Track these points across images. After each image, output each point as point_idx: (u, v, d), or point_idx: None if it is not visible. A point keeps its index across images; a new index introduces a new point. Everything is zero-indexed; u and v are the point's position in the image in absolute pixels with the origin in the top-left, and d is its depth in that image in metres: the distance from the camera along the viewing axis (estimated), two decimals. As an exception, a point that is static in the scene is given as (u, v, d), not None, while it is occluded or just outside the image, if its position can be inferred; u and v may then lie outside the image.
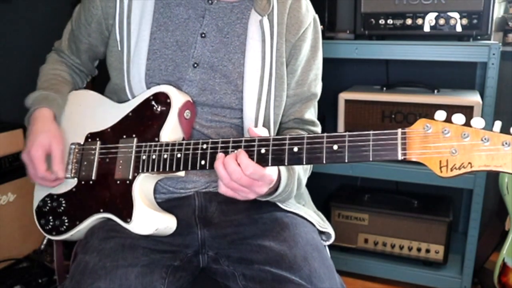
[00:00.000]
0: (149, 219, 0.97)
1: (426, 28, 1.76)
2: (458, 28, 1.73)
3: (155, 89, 1.03)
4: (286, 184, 0.96)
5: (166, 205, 1.04)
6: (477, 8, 1.69)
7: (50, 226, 1.09)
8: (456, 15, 1.72)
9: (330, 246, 1.11)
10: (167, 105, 1.01)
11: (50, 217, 1.09)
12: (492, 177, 1.90)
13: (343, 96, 1.89)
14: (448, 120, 0.76)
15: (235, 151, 0.88)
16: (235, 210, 1.06)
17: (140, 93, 1.06)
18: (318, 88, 1.15)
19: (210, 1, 1.06)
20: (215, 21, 1.06)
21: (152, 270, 0.94)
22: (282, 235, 0.98)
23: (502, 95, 1.90)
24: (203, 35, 1.06)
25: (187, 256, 1.02)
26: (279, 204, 1.04)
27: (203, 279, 1.06)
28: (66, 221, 1.07)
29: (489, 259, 1.93)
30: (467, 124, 0.75)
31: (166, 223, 0.99)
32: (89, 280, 0.89)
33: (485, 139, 0.73)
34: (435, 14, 1.74)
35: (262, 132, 0.91)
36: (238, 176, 0.86)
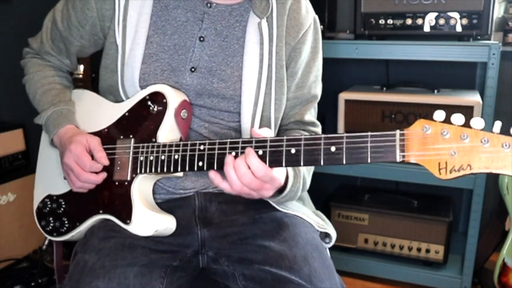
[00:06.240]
0: (148, 221, 0.97)
1: (426, 28, 1.76)
2: (458, 28, 1.73)
3: (151, 89, 1.02)
4: (292, 184, 0.96)
5: (166, 206, 1.04)
6: (477, 8, 1.69)
7: (50, 227, 1.09)
8: (456, 15, 1.72)
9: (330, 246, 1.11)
10: (164, 105, 0.99)
11: (51, 218, 1.09)
12: (492, 177, 1.89)
13: (343, 96, 1.89)
14: (447, 120, 0.75)
15: (244, 152, 0.86)
16: (235, 210, 1.06)
17: (136, 93, 1.04)
18: (318, 90, 1.14)
19: (209, 5, 1.05)
20: (214, 24, 1.05)
21: (151, 270, 0.94)
22: (282, 235, 0.98)
23: (502, 95, 1.89)
24: (201, 38, 1.04)
25: (186, 256, 1.02)
26: (277, 207, 1.03)
27: (203, 279, 1.06)
28: (66, 222, 1.07)
29: (489, 259, 1.93)
30: (467, 124, 0.74)
31: (166, 224, 0.99)
32: (88, 278, 0.89)
33: (484, 140, 0.72)
34: (435, 14, 1.74)
35: (265, 133, 0.89)
36: (249, 180, 0.85)
